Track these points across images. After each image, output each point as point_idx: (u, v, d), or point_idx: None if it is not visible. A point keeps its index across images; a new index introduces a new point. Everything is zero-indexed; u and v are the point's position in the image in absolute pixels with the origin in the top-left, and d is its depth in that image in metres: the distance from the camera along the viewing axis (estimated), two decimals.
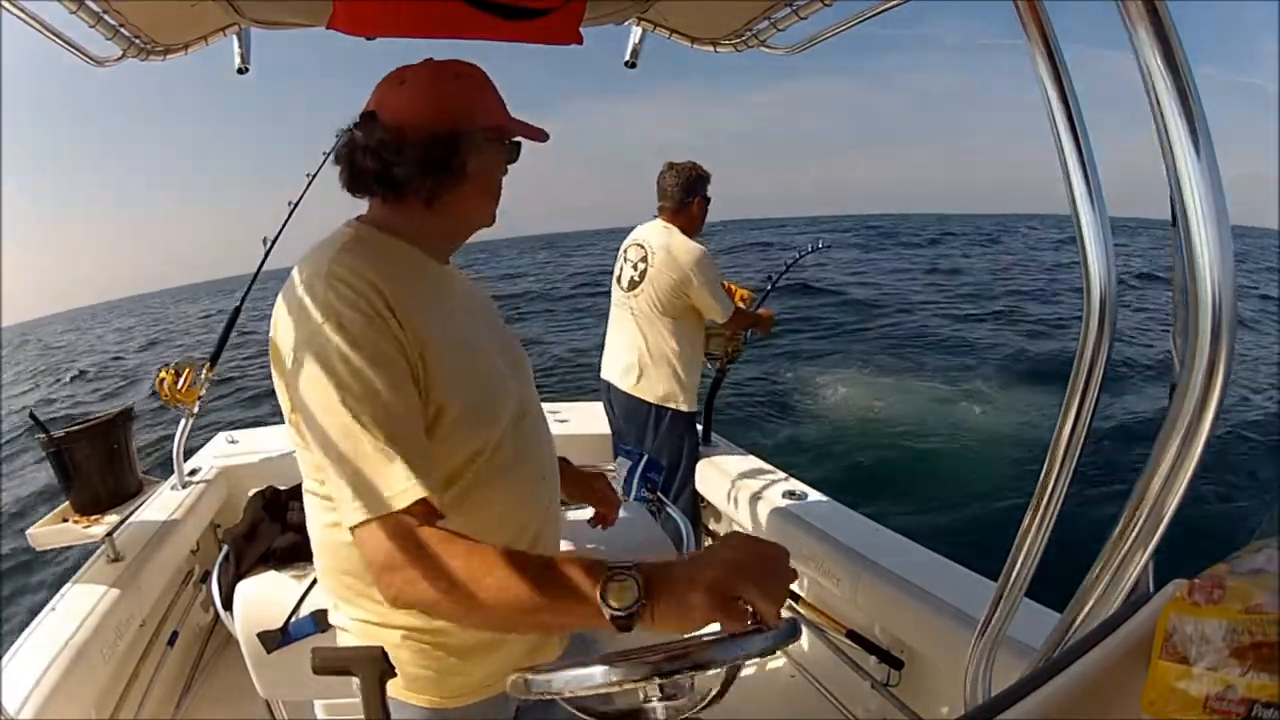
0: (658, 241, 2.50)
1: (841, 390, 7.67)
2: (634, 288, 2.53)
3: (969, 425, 6.44)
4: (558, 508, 1.07)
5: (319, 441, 0.78)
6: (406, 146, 0.88)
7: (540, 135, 0.98)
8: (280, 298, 0.86)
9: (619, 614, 0.67)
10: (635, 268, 2.54)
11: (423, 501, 0.75)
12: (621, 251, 2.63)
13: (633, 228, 2.67)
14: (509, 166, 0.99)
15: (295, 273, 0.87)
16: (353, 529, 0.76)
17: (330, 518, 0.89)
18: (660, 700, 0.74)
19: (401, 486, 0.74)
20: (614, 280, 2.64)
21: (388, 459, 0.75)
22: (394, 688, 0.92)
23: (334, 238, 0.91)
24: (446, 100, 0.90)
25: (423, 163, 0.89)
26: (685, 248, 2.45)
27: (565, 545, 1.40)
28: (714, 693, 0.78)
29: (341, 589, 0.95)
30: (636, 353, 2.54)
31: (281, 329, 0.83)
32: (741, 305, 2.62)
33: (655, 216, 2.58)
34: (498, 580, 0.71)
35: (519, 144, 0.98)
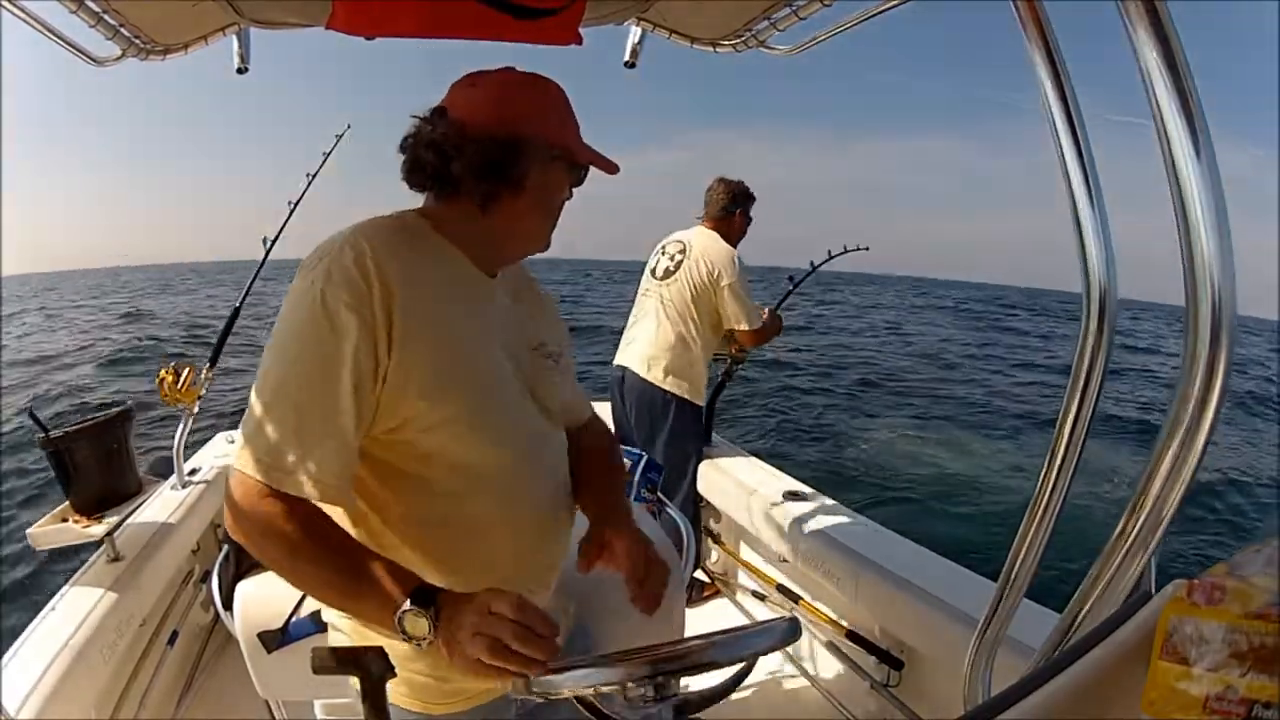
0: (697, 240, 2.62)
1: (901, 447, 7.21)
2: (668, 276, 2.63)
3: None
4: (561, 536, 1.01)
5: (261, 369, 0.80)
6: (466, 145, 0.86)
7: (611, 167, 0.95)
8: None
9: (407, 639, 0.73)
10: (672, 259, 2.65)
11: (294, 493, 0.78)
12: (660, 247, 2.73)
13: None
14: (573, 191, 0.95)
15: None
16: (233, 467, 0.81)
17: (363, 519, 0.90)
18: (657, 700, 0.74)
19: (284, 469, 0.77)
20: (647, 271, 2.72)
21: (292, 436, 0.77)
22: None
23: (385, 216, 0.90)
24: (515, 106, 0.88)
25: (480, 164, 0.87)
26: (722, 248, 2.58)
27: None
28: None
29: None
30: (659, 342, 2.59)
31: None
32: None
33: (698, 222, 2.70)
34: (313, 562, 0.76)
35: (585, 170, 0.95)
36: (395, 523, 0.88)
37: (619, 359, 2.71)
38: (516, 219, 0.91)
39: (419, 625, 0.72)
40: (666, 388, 2.57)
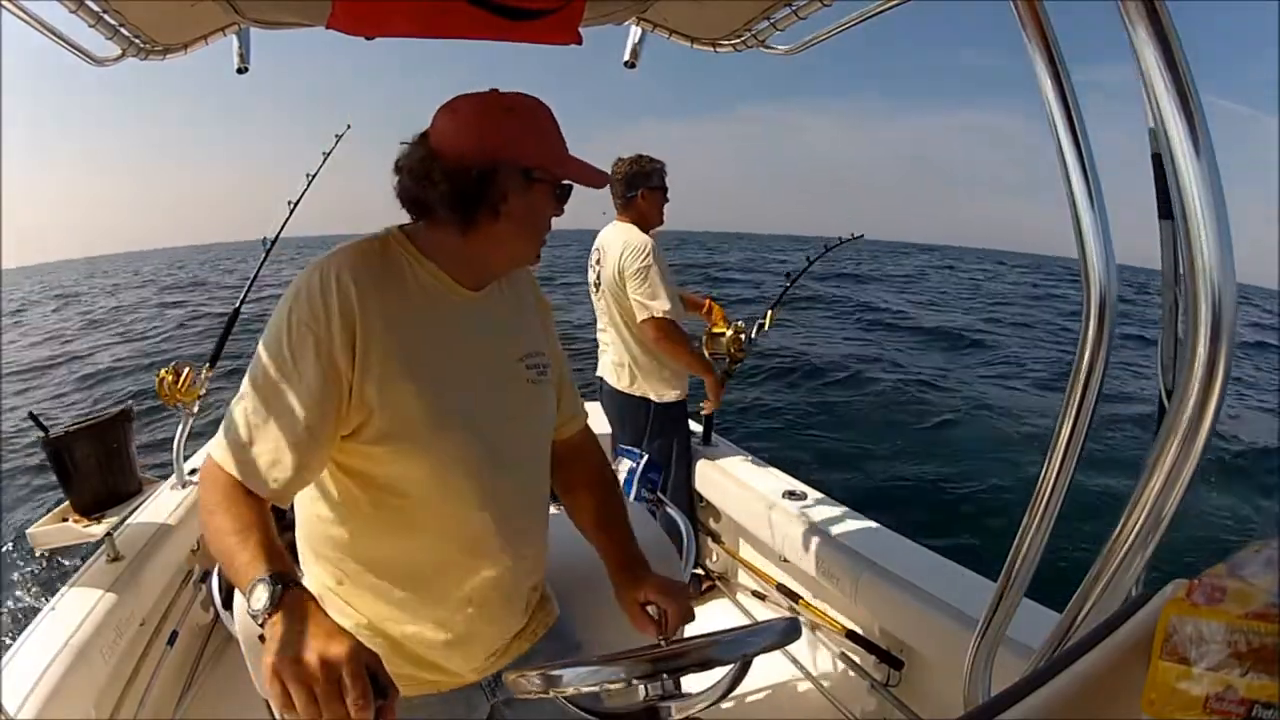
0: (610, 241, 2.49)
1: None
2: (598, 289, 2.57)
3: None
4: (514, 557, 1.00)
5: (246, 377, 0.87)
6: (438, 174, 0.88)
7: (597, 181, 0.96)
8: None
9: (251, 613, 0.74)
10: (595, 270, 2.57)
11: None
12: (590, 255, 2.64)
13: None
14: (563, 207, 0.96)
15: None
16: (209, 456, 0.88)
17: (311, 499, 0.96)
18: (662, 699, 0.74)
19: (245, 465, 0.84)
20: (589, 284, 2.67)
21: (256, 437, 0.84)
22: None
23: (365, 238, 0.94)
24: (488, 134, 0.89)
25: (452, 194, 0.88)
26: (629, 240, 2.40)
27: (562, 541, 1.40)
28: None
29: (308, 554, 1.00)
30: (621, 351, 2.56)
31: None
32: (716, 324, 2.62)
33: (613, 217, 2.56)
34: (216, 532, 0.82)
35: (569, 187, 0.95)
36: (357, 520, 0.93)
37: (598, 368, 2.71)
38: (498, 242, 0.93)
39: (259, 598, 0.73)
40: (635, 393, 2.55)
